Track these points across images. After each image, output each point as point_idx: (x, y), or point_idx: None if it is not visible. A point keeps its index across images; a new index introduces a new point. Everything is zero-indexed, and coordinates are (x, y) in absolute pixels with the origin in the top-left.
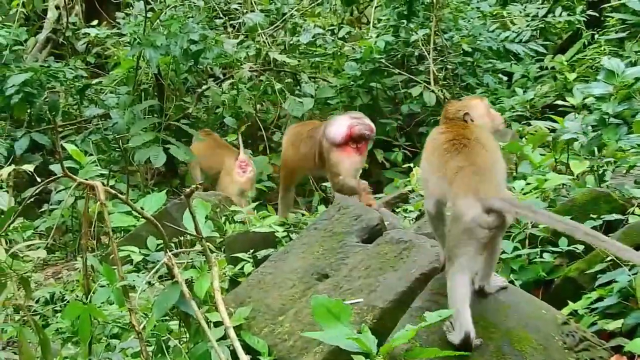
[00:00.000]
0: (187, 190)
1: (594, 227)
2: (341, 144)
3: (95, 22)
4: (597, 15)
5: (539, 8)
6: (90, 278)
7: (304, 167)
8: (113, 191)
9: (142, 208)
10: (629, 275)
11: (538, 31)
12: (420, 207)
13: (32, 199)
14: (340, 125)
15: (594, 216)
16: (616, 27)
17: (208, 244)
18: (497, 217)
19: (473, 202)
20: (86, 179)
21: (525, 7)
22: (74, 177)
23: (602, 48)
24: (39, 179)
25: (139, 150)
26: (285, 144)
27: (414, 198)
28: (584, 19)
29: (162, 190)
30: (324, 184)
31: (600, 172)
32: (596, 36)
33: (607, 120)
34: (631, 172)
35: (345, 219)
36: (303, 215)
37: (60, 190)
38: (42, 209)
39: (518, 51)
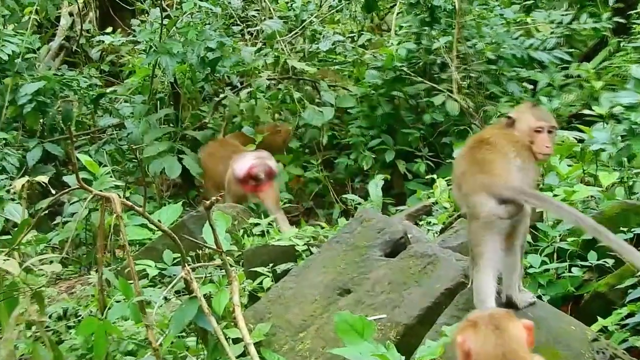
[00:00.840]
0: (207, 202)
1: (624, 240)
2: (241, 180)
3: (109, 30)
4: (624, 22)
5: (563, 15)
6: (106, 293)
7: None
8: (129, 203)
9: (158, 220)
10: None
11: (563, 38)
12: (445, 219)
13: (45, 212)
14: (244, 163)
15: (625, 229)
16: None
17: (228, 257)
18: (513, 206)
19: (485, 197)
20: (101, 191)
21: (550, 13)
22: (90, 188)
23: (629, 56)
24: (52, 191)
25: (154, 160)
26: (203, 160)
27: (437, 210)
28: (611, 26)
29: (178, 202)
30: (344, 195)
31: (630, 183)
32: (623, 43)
33: (636, 130)
34: None
35: (367, 232)
36: (323, 227)
37: (74, 203)
38: (55, 222)
39: (543, 59)
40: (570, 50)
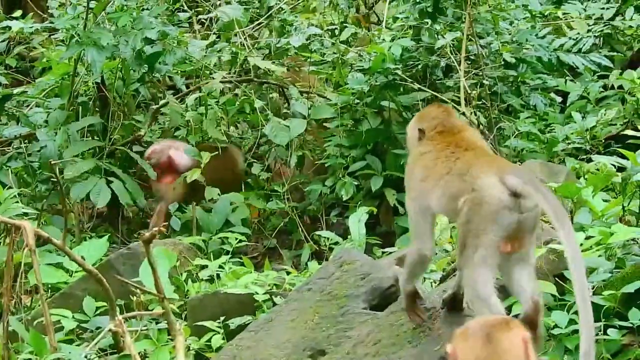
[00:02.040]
0: (146, 234)
1: None
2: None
3: (18, 13)
4: None
5: (603, 8)
6: (12, 349)
7: None
8: (45, 234)
9: (82, 258)
10: None
11: (601, 38)
12: (445, 265)
13: None
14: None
15: None
16: None
17: (171, 305)
18: (525, 199)
19: (497, 182)
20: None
21: (587, 6)
22: None
23: None
24: None
25: (76, 183)
26: None
27: (436, 253)
28: None
29: (104, 236)
30: (317, 232)
31: None
32: None
33: None
34: None
35: (348, 278)
36: (289, 273)
37: None
38: None
39: (576, 64)
40: (612, 54)
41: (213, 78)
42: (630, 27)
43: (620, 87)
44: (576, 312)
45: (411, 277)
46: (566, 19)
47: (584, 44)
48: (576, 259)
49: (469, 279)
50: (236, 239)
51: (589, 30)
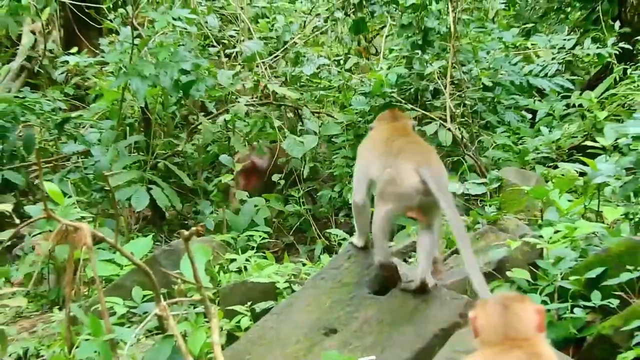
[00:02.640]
0: (186, 232)
1: (630, 280)
2: None
3: (74, 50)
4: (630, 48)
5: (565, 39)
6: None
7: None
8: (100, 234)
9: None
10: None
11: (564, 65)
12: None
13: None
14: None
15: (631, 268)
16: None
17: (207, 293)
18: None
19: (412, 170)
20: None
21: (551, 38)
22: (59, 218)
23: (635, 84)
24: (17, 221)
25: (121, 189)
26: None
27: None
28: (616, 51)
29: (148, 235)
30: (327, 230)
31: (636, 219)
32: (629, 71)
33: None
34: None
35: (356, 268)
36: (304, 265)
37: (35, 235)
38: (14, 255)
39: (543, 86)
40: (572, 78)
41: (238, 102)
42: (588, 54)
43: (580, 105)
44: (548, 295)
45: (361, 230)
46: (534, 49)
47: (550, 70)
48: (458, 226)
49: (374, 225)
50: (260, 236)
51: (553, 58)
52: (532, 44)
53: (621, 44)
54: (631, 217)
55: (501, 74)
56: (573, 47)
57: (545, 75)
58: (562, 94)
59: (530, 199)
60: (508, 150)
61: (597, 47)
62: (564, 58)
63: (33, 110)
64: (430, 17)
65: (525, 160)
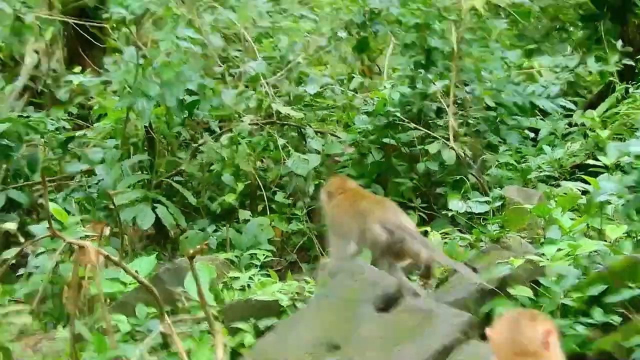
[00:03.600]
0: (191, 250)
1: (633, 297)
2: None
3: (78, 69)
4: (633, 65)
5: (566, 56)
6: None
7: None
8: (105, 252)
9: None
10: None
11: (566, 84)
12: (440, 274)
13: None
14: None
15: (632, 285)
16: None
17: (211, 310)
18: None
19: (379, 227)
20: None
21: (554, 59)
22: (64, 236)
23: (637, 103)
24: (22, 239)
25: (125, 208)
26: None
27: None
28: (618, 68)
29: (152, 254)
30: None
31: (638, 237)
32: (631, 90)
33: None
34: None
35: (359, 286)
36: (308, 282)
37: (40, 254)
38: (19, 274)
39: (545, 107)
40: (575, 99)
41: (242, 121)
42: (590, 73)
43: (582, 124)
44: (550, 312)
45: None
46: (537, 68)
47: (552, 91)
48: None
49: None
50: (263, 254)
51: (556, 78)
52: (536, 62)
53: (624, 61)
54: (633, 235)
55: (504, 94)
56: (576, 66)
57: (548, 96)
58: (564, 113)
59: (532, 217)
60: (511, 169)
61: (599, 66)
62: (566, 78)
63: (37, 129)
64: (434, 37)
65: (528, 179)
